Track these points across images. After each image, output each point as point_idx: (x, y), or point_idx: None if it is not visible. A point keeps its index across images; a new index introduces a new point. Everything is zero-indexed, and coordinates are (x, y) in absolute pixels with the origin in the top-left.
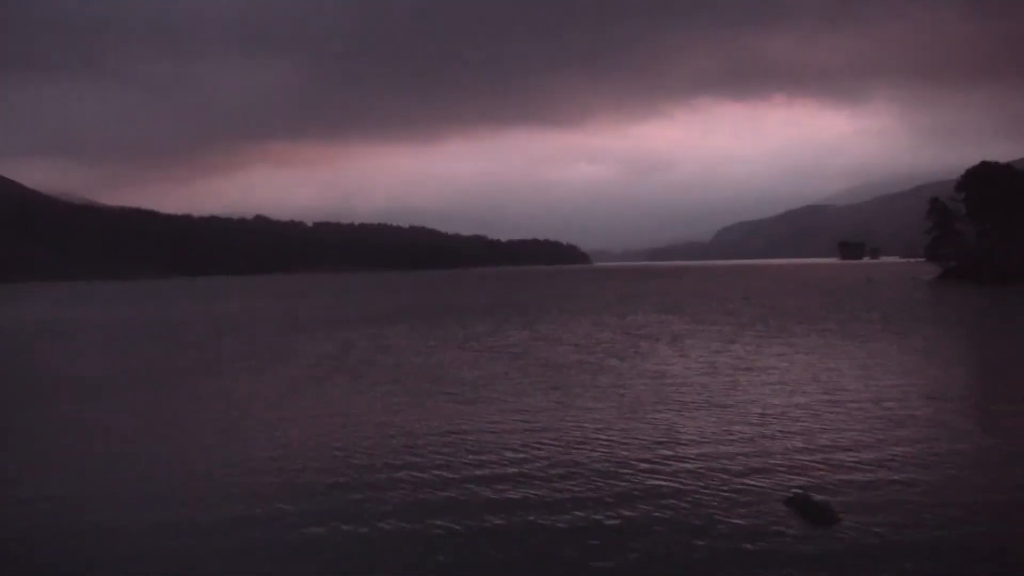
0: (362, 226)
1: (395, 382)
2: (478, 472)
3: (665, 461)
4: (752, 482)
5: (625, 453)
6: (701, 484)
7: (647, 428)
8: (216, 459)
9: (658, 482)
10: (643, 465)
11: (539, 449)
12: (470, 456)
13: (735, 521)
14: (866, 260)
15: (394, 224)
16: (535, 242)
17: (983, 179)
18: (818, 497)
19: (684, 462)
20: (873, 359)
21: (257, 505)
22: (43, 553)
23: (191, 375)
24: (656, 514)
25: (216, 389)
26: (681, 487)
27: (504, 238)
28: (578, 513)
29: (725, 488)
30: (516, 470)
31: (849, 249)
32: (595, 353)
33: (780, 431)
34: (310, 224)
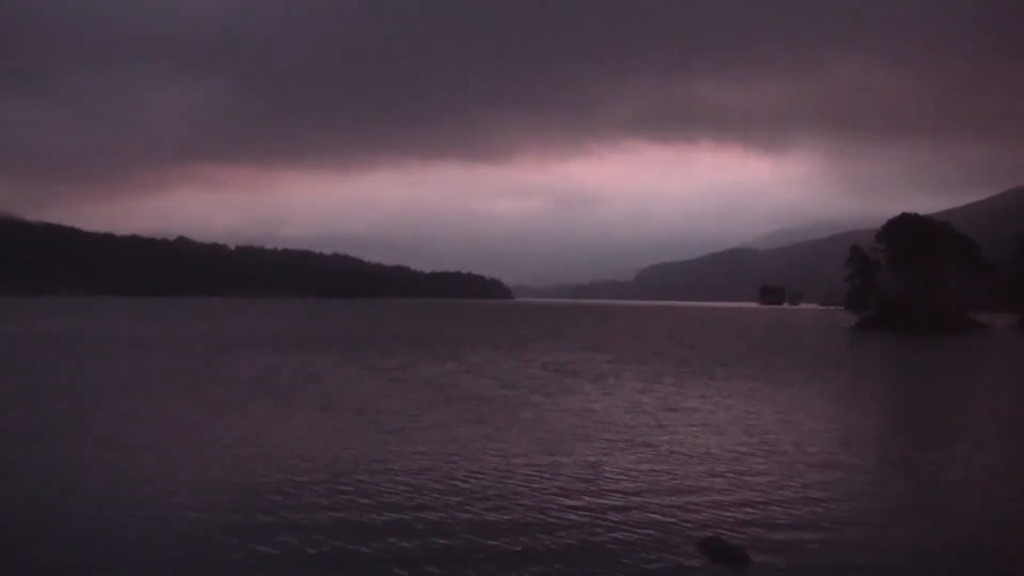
0: (285, 252)
1: (321, 409)
2: (402, 501)
3: (584, 497)
4: (667, 521)
5: (544, 488)
6: (618, 521)
7: (569, 464)
8: (137, 478)
9: (575, 517)
10: (562, 500)
11: (463, 481)
12: (394, 486)
13: (647, 562)
14: (786, 306)
15: (317, 251)
16: (458, 275)
17: (903, 230)
18: (731, 540)
19: (603, 498)
20: (793, 403)
21: (171, 525)
22: None
23: (109, 393)
24: (569, 551)
25: (136, 408)
26: (598, 523)
27: (428, 269)
28: (492, 543)
29: (640, 527)
30: (438, 500)
31: (770, 294)
32: (520, 388)
33: (699, 472)
34: (233, 248)
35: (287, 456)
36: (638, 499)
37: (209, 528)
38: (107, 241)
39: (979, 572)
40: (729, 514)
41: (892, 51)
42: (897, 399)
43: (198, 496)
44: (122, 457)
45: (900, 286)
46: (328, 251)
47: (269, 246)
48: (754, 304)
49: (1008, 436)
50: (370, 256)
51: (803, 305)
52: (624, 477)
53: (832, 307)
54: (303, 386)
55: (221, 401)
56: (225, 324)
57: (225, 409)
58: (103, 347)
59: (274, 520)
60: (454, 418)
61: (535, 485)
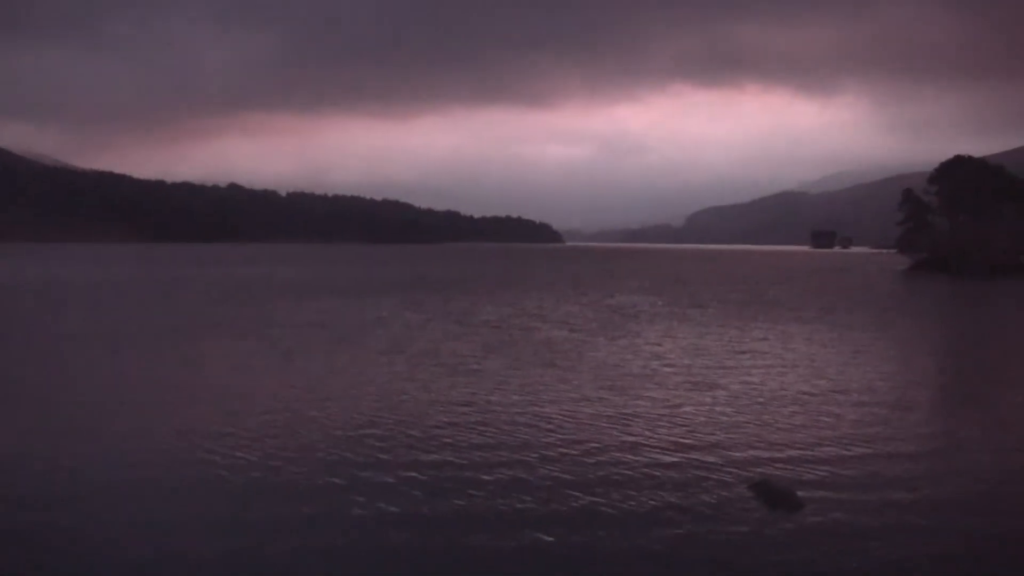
0: (336, 197)
1: (390, 354)
2: (483, 443)
3: (646, 437)
4: (722, 463)
5: (609, 429)
6: (675, 462)
7: (634, 406)
8: (221, 422)
9: (635, 457)
10: (624, 440)
11: (533, 424)
12: (472, 434)
13: (700, 503)
14: (837, 249)
15: (367, 197)
16: (508, 219)
17: (957, 173)
18: (784, 483)
19: (663, 439)
20: (854, 346)
21: (263, 472)
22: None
23: (182, 337)
24: (622, 494)
25: (211, 352)
26: (657, 463)
27: (478, 214)
28: (551, 483)
29: (696, 468)
30: (515, 442)
31: (821, 238)
32: (582, 331)
33: (759, 414)
34: (284, 194)
35: (367, 400)
36: (697, 440)
37: (310, 470)
38: (159, 188)
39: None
40: (786, 456)
41: None
42: (954, 341)
43: (299, 439)
44: (196, 402)
45: (953, 229)
46: (378, 197)
47: (319, 192)
48: (805, 248)
49: None
50: (420, 202)
51: (854, 249)
52: (685, 419)
53: (884, 250)
54: (369, 330)
55: (290, 346)
56: (281, 269)
57: (295, 354)
58: (163, 293)
59: (372, 462)
60: (521, 362)
61: (602, 428)
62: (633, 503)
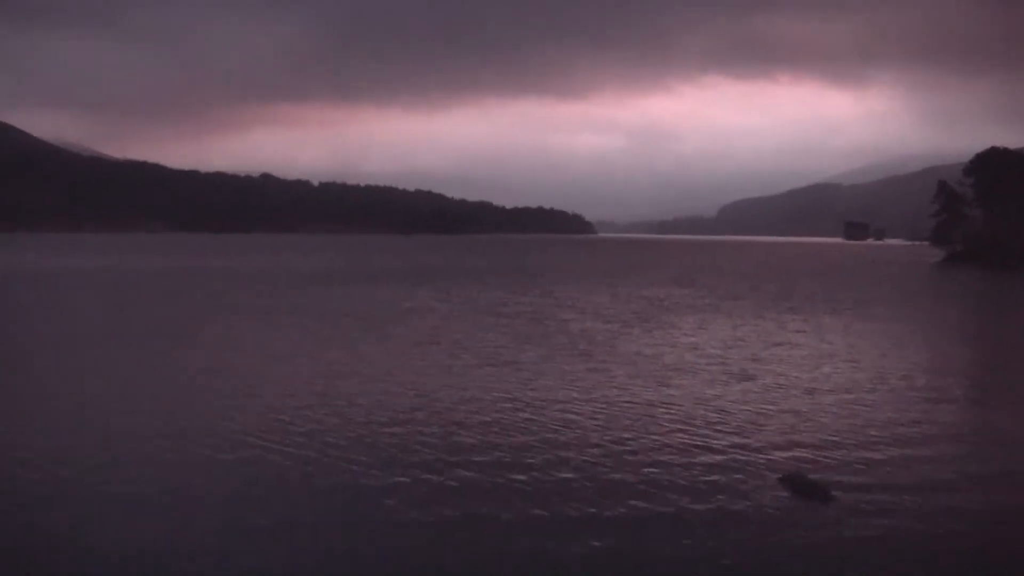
0: (368, 188)
1: (426, 344)
2: (518, 448)
3: (682, 428)
4: (755, 456)
5: (644, 420)
6: (709, 454)
7: (670, 397)
8: (265, 406)
9: (670, 448)
10: (659, 430)
11: (567, 415)
12: (508, 432)
13: (731, 495)
14: (870, 241)
15: (400, 187)
16: (541, 210)
17: (992, 164)
18: (813, 475)
19: (699, 431)
20: (889, 339)
21: (307, 448)
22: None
23: (224, 324)
24: (647, 485)
25: (255, 341)
26: (691, 453)
27: (509, 205)
28: (584, 475)
29: (731, 461)
30: (547, 435)
31: (854, 229)
32: (617, 322)
33: (794, 407)
34: (316, 184)
35: (406, 390)
36: (732, 432)
37: (346, 455)
38: (192, 178)
39: None
40: (820, 448)
41: None
42: (990, 334)
43: (332, 433)
44: (233, 387)
45: (988, 221)
46: (410, 187)
47: (351, 182)
48: (839, 239)
49: None
50: (452, 192)
51: (887, 241)
52: (721, 410)
53: (917, 242)
54: (403, 321)
55: (326, 335)
56: (312, 259)
57: (332, 342)
58: (201, 281)
59: (409, 457)
60: (556, 353)
61: (637, 420)
62: (659, 494)
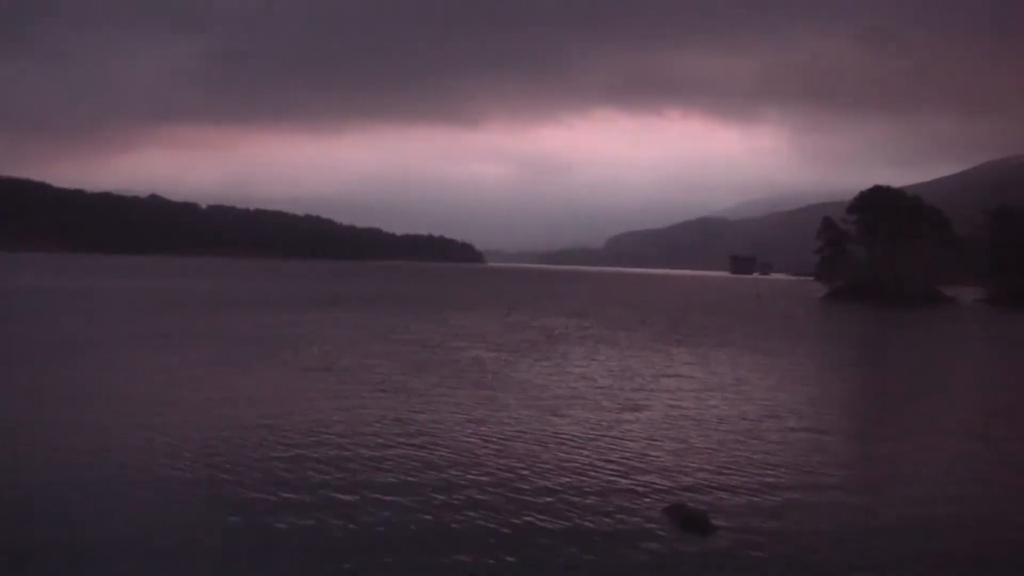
0: (258, 211)
1: (318, 371)
2: (402, 470)
3: (562, 461)
4: (638, 488)
5: (524, 452)
6: (592, 486)
7: (553, 428)
8: (148, 434)
9: (545, 482)
10: (539, 464)
11: (444, 446)
12: (395, 453)
13: (613, 528)
14: (756, 275)
15: (290, 212)
16: (430, 238)
17: (875, 202)
18: (696, 506)
19: (581, 463)
20: (772, 372)
21: (168, 471)
22: None
23: (110, 347)
24: (534, 513)
25: (143, 363)
26: (573, 487)
27: (399, 231)
28: (466, 513)
29: (612, 493)
30: (426, 464)
31: (740, 263)
32: (510, 351)
33: (678, 438)
34: (204, 207)
35: (290, 417)
36: (617, 464)
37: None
38: (78, 197)
39: (947, 536)
40: (706, 480)
41: (859, 27)
42: (866, 368)
43: (217, 458)
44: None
45: (870, 258)
46: (300, 212)
47: (241, 205)
48: (725, 273)
49: (966, 403)
50: (342, 218)
51: (773, 275)
52: (608, 440)
53: (802, 278)
54: (292, 345)
55: (221, 359)
56: (208, 282)
57: (225, 367)
58: (84, 303)
59: (288, 495)
60: (447, 381)
61: (524, 448)
62: (545, 522)
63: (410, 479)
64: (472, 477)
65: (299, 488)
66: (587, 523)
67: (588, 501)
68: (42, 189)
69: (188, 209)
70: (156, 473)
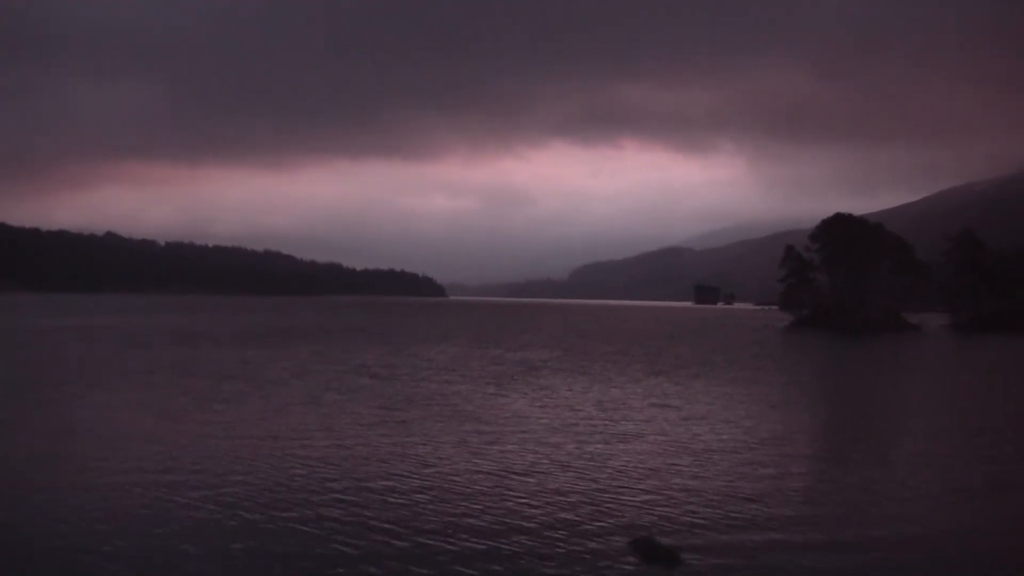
0: (216, 248)
1: (310, 405)
2: (369, 505)
3: (524, 495)
4: (602, 522)
5: (486, 485)
6: (555, 519)
7: (513, 461)
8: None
9: (510, 515)
10: (502, 493)
11: (401, 480)
12: (327, 478)
13: (580, 562)
14: (720, 305)
15: (249, 248)
16: (391, 272)
17: (837, 230)
18: (664, 539)
19: (543, 496)
20: (735, 403)
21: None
22: None
23: (70, 385)
24: (500, 546)
25: (117, 401)
26: (534, 521)
27: (359, 267)
28: (426, 541)
29: (576, 526)
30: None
31: (704, 293)
32: (471, 383)
33: (641, 471)
34: (163, 244)
35: (255, 452)
36: (576, 498)
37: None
38: (34, 236)
39: (922, 571)
40: (666, 513)
41: (814, 58)
42: (831, 398)
43: (161, 499)
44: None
45: (834, 286)
46: (259, 248)
47: (199, 242)
48: (689, 303)
49: (931, 431)
50: (301, 253)
51: (737, 304)
52: (584, 473)
53: (766, 307)
54: (272, 381)
55: (210, 395)
56: (176, 319)
57: (215, 402)
58: (47, 340)
59: (237, 524)
60: (430, 416)
61: (496, 479)
62: (513, 551)
63: (367, 515)
64: (436, 508)
65: (284, 531)
66: (550, 559)
67: (554, 535)
68: None
69: (146, 247)
70: (134, 505)
